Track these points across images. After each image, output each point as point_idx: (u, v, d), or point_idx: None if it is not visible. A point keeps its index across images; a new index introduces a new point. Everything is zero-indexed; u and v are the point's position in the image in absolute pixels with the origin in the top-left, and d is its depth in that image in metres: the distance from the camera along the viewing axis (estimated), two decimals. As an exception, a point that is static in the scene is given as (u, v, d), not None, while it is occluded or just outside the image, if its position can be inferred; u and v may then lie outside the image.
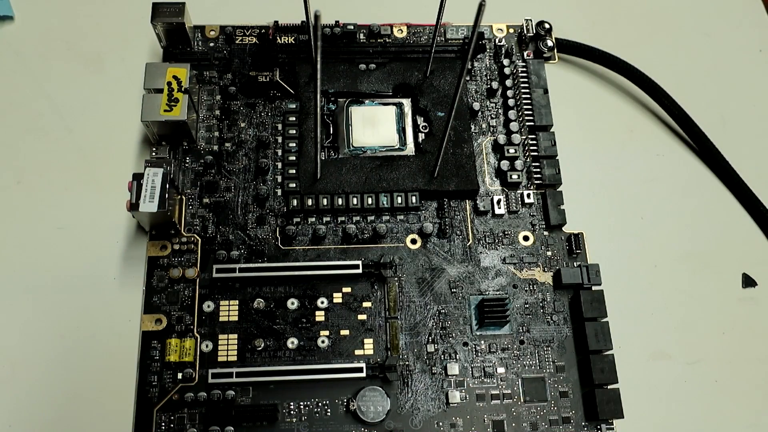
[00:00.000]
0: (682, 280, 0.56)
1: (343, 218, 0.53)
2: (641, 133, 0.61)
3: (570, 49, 0.62)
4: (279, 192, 0.53)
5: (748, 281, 0.57)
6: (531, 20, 0.60)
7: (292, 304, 0.50)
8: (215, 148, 0.54)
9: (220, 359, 0.48)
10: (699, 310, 0.55)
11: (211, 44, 0.58)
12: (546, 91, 0.58)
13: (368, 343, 0.50)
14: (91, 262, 0.52)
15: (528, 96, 0.57)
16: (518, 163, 0.55)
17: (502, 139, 0.56)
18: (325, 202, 0.52)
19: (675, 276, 0.56)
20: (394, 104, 0.57)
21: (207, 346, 0.49)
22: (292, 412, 0.48)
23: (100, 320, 0.51)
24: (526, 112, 0.57)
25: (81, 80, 0.58)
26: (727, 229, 0.58)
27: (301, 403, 0.48)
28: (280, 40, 0.57)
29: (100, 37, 0.60)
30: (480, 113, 0.57)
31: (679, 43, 0.66)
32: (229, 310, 0.50)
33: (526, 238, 0.54)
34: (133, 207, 0.48)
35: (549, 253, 0.53)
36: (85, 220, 0.53)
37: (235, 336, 0.49)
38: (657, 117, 0.62)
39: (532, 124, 0.57)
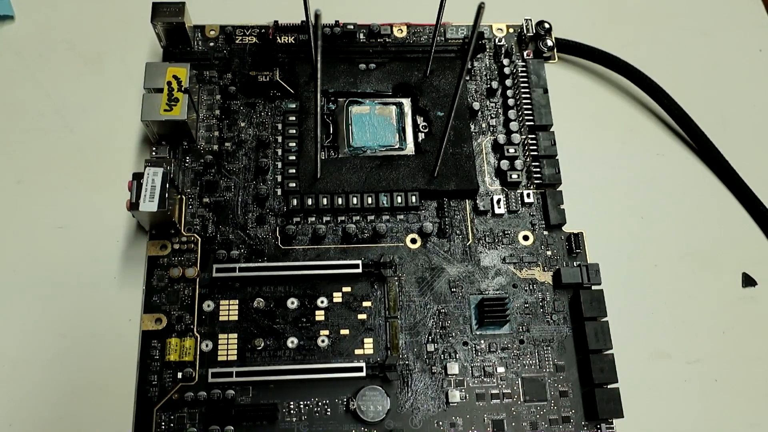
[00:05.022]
0: (682, 280, 0.56)
1: (343, 218, 0.53)
2: (641, 133, 0.61)
3: (570, 48, 0.62)
4: (279, 191, 0.53)
5: (748, 281, 0.57)
6: (531, 20, 0.60)
7: (292, 303, 0.50)
8: (215, 147, 0.54)
9: (220, 359, 0.48)
10: (699, 310, 0.55)
11: (211, 44, 0.58)
12: (546, 91, 0.58)
13: (368, 342, 0.50)
14: (91, 261, 0.52)
15: (528, 96, 0.57)
16: (518, 163, 0.55)
17: (501, 138, 0.56)
18: (325, 201, 0.52)
19: (675, 276, 0.56)
20: (394, 104, 0.57)
21: (207, 346, 0.49)
22: (292, 411, 0.48)
23: (100, 320, 0.51)
24: (525, 112, 0.57)
25: (81, 80, 0.58)
26: (727, 229, 0.58)
27: (301, 403, 0.48)
28: (280, 39, 0.57)
29: (100, 37, 0.60)
30: (480, 113, 0.57)
31: (679, 42, 0.66)
32: (229, 310, 0.50)
33: (525, 238, 0.54)
34: (133, 206, 0.48)
35: (549, 253, 0.53)
36: (85, 220, 0.54)
37: (235, 335, 0.49)
38: (657, 117, 0.62)
39: (531, 123, 0.57)
